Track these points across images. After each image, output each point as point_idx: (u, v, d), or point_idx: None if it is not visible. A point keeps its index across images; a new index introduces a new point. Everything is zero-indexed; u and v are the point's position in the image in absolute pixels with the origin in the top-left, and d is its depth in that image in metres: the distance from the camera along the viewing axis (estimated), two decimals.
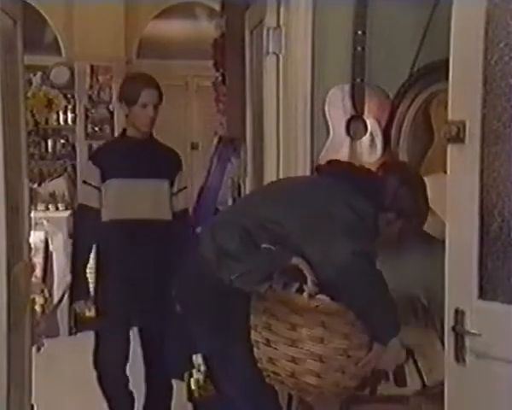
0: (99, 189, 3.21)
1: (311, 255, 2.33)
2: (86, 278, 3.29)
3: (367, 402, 2.59)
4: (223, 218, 2.80)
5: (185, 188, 3.42)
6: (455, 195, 2.03)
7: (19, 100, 3.00)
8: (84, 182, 3.30)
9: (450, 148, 2.02)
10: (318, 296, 2.31)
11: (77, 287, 3.30)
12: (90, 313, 3.39)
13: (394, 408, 2.60)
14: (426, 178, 2.88)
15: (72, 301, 3.43)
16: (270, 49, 3.05)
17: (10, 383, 2.60)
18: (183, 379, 2.72)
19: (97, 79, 7.64)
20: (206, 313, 2.50)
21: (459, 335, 1.99)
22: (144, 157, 3.26)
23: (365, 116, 2.88)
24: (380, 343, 2.38)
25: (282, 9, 3.02)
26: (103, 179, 3.22)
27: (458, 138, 1.96)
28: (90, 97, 7.68)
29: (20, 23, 2.91)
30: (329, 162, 2.65)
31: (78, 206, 3.45)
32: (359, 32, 2.84)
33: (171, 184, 3.34)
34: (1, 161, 2.49)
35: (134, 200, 3.24)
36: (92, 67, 7.60)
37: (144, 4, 7.63)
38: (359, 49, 2.83)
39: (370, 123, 2.89)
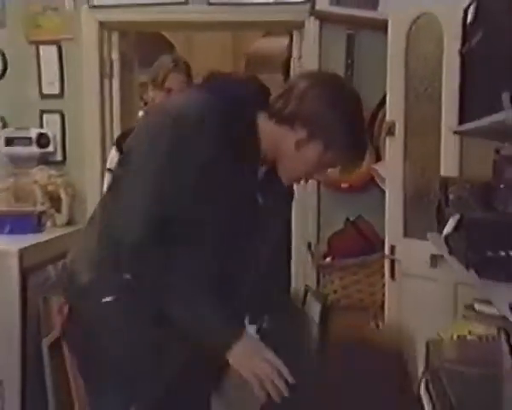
0: None
1: None
2: None
3: None
4: None
5: None
6: (391, 169, 3.06)
7: None
8: None
9: (387, 139, 3.04)
10: None
11: None
12: None
13: None
14: None
15: None
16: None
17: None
18: None
19: None
20: None
21: (392, 261, 3.01)
22: None
23: None
24: None
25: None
26: None
27: (391, 133, 2.99)
28: None
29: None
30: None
31: None
32: (349, 61, 3.84)
33: None
34: None
35: None
36: None
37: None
38: (349, 73, 3.81)
39: None
